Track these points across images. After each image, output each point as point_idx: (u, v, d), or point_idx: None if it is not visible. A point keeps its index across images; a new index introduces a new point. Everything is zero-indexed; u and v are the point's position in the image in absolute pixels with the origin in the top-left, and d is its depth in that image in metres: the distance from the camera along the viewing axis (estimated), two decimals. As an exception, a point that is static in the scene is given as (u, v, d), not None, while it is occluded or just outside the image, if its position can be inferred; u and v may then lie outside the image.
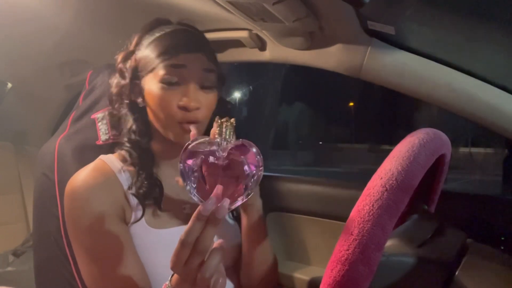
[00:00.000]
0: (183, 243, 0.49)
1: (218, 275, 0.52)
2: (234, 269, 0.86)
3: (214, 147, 0.53)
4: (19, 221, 1.58)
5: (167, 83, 0.71)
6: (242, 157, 0.53)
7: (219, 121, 0.53)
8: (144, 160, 0.76)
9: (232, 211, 0.86)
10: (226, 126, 0.53)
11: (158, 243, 0.73)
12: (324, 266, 0.50)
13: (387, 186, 0.50)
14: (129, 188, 0.74)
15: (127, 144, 0.77)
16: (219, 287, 0.53)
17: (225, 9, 0.83)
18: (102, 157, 0.77)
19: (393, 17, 0.81)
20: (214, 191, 0.50)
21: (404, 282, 0.56)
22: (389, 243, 0.62)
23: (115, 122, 0.86)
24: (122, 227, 0.72)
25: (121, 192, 0.74)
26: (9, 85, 1.69)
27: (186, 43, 0.74)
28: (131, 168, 0.76)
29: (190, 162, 0.52)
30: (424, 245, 0.61)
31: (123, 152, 0.78)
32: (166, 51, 0.72)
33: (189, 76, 0.72)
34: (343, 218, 0.58)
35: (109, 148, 0.84)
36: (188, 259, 0.50)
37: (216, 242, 0.52)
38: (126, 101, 0.78)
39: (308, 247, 1.16)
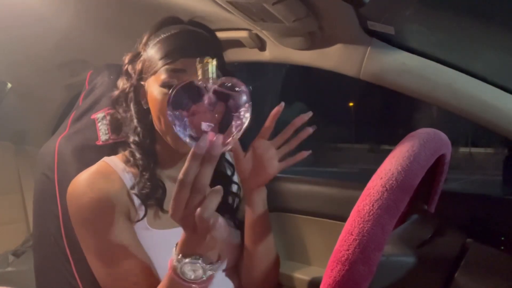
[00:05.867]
0: (182, 183, 0.50)
1: (216, 217, 0.52)
2: (234, 269, 0.86)
3: (200, 87, 0.53)
4: (19, 221, 1.58)
5: (167, 87, 0.70)
6: (229, 94, 0.53)
7: (202, 61, 0.53)
8: (147, 161, 0.76)
9: (234, 220, 0.86)
10: (207, 65, 0.52)
11: (159, 243, 0.74)
12: (324, 266, 0.50)
13: (387, 186, 0.50)
14: (132, 188, 0.74)
15: (132, 145, 0.77)
16: (219, 227, 0.53)
17: (225, 9, 0.83)
18: (105, 159, 0.77)
19: (393, 17, 0.81)
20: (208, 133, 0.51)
21: (404, 282, 0.56)
22: (389, 243, 0.62)
23: (115, 123, 0.86)
24: (129, 225, 0.73)
25: (124, 192, 0.74)
26: (9, 85, 1.70)
27: (188, 46, 0.71)
28: (134, 169, 0.76)
29: (177, 106, 0.53)
30: (424, 245, 0.61)
31: (126, 153, 0.78)
32: (167, 55, 0.70)
33: None
34: (343, 218, 0.58)
35: (109, 148, 0.84)
36: (188, 200, 0.50)
37: (215, 187, 0.52)
38: (132, 102, 0.78)
39: (308, 247, 1.16)
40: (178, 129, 0.53)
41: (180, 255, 0.55)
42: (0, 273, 1.32)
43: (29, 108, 1.68)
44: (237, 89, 0.54)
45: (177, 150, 0.73)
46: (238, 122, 0.53)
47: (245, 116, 0.53)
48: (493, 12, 0.82)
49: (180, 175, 0.50)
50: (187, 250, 0.55)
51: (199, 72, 0.53)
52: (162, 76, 0.70)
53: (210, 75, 0.52)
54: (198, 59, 0.53)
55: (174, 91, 0.53)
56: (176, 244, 0.57)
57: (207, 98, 0.53)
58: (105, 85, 0.92)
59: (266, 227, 0.81)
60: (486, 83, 0.80)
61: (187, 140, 0.53)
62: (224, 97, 0.53)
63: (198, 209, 0.50)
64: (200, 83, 0.53)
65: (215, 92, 0.52)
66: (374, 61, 0.85)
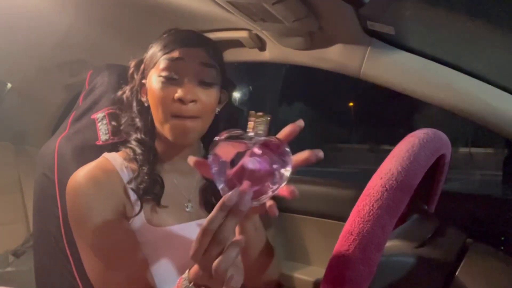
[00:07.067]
0: (204, 230, 0.49)
1: (234, 271, 0.52)
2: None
3: (245, 141, 0.52)
4: (19, 221, 1.58)
5: (165, 77, 0.74)
6: (271, 154, 0.52)
7: (255, 115, 0.53)
8: (148, 157, 0.77)
9: None
10: (260, 122, 0.52)
11: (157, 241, 0.74)
12: (324, 266, 0.49)
13: (387, 186, 0.50)
14: (129, 182, 0.74)
15: (133, 142, 0.79)
16: (235, 282, 0.52)
17: (225, 9, 0.83)
18: (106, 155, 0.78)
19: (393, 17, 0.81)
20: (242, 185, 0.50)
21: (404, 282, 0.56)
22: (389, 243, 0.62)
23: (116, 123, 0.86)
24: (125, 223, 0.73)
25: (121, 188, 0.74)
26: (9, 85, 1.69)
27: (185, 38, 0.77)
28: (134, 164, 0.77)
29: (219, 153, 0.52)
30: (424, 245, 0.61)
31: (127, 150, 0.79)
32: (166, 46, 0.75)
33: (186, 69, 0.74)
34: (343, 218, 0.58)
35: (109, 148, 0.84)
36: (208, 248, 0.50)
37: (236, 237, 0.52)
38: (134, 101, 0.81)
39: (308, 247, 1.16)
40: (214, 171, 0.53)
41: (192, 283, 0.55)
42: (0, 273, 1.32)
43: (29, 108, 1.67)
44: (282, 148, 0.53)
45: (174, 143, 0.75)
46: (276, 181, 0.52)
47: (284, 176, 0.52)
48: (493, 12, 0.82)
49: (205, 223, 0.49)
50: (200, 281, 0.54)
51: (251, 125, 0.53)
52: (161, 65, 0.74)
53: (261, 132, 0.52)
54: (251, 111, 0.53)
55: (223, 137, 0.53)
56: (188, 270, 0.56)
57: (250, 152, 0.51)
58: (105, 85, 0.92)
59: (263, 247, 0.76)
60: (486, 83, 0.80)
61: (221, 186, 0.53)
62: (267, 153, 0.52)
63: (215, 262, 0.49)
64: (248, 135, 0.52)
65: (260, 147, 0.51)
66: (374, 61, 0.85)
